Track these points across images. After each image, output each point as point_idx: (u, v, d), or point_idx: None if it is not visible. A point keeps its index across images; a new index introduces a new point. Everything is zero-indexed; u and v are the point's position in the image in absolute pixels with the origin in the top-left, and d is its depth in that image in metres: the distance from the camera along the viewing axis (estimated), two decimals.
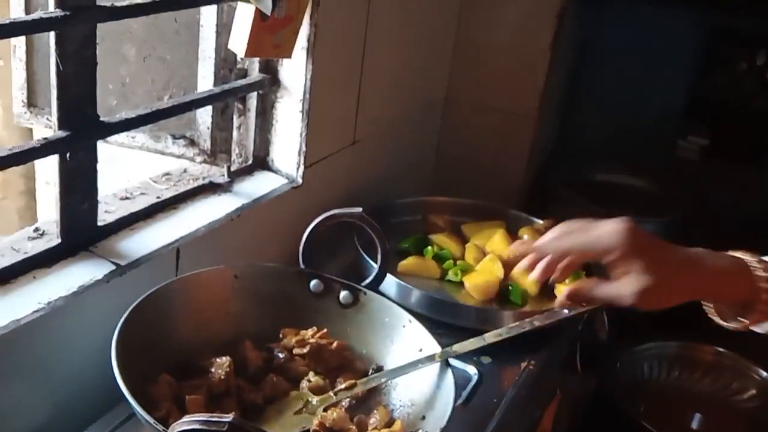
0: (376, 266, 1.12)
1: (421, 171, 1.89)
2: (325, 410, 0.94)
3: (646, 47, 2.00)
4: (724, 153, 2.00)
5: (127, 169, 1.50)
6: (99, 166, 1.06)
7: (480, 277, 1.36)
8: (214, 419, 0.69)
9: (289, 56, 1.24)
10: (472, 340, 1.02)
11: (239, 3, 1.17)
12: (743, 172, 2.00)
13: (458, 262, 1.40)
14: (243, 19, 1.18)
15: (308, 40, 1.27)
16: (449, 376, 0.95)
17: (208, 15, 1.29)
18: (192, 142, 1.38)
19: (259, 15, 1.15)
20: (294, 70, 1.30)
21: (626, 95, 2.04)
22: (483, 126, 1.86)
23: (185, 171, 1.36)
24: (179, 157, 1.38)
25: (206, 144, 1.37)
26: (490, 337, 1.02)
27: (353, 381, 0.97)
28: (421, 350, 1.01)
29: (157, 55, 1.35)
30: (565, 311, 1.05)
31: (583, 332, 1.36)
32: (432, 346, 1.00)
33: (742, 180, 1.99)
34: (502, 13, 1.77)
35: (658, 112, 2.02)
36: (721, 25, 1.96)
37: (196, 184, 1.29)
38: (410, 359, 1.00)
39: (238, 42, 1.19)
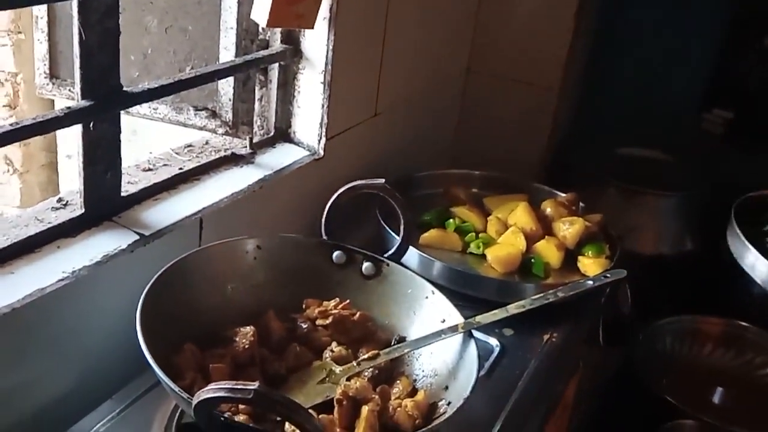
0: (398, 238, 1.11)
1: (443, 144, 1.88)
2: (348, 380, 0.94)
3: (671, 21, 1.96)
4: (749, 127, 1.97)
5: (148, 141, 1.51)
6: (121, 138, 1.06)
7: (502, 249, 1.35)
8: (239, 387, 0.69)
9: (311, 27, 1.23)
10: (495, 311, 1.01)
11: None
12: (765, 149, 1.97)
13: (480, 235, 1.40)
14: None
15: (330, 11, 1.26)
16: (472, 346, 0.95)
17: None
18: (214, 114, 1.37)
19: None
20: (316, 42, 1.29)
21: (650, 70, 2.01)
22: (505, 98, 1.85)
23: (207, 143, 1.36)
24: (201, 128, 1.38)
25: (228, 116, 1.36)
26: (513, 309, 1.02)
27: (376, 351, 0.97)
28: (443, 321, 1.01)
29: (179, 26, 1.34)
30: (590, 282, 1.04)
31: (605, 306, 1.35)
32: (455, 317, 1.00)
33: (762, 159, 1.96)
34: None
35: (682, 87, 1.99)
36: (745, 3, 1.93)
37: (218, 156, 1.29)
38: (433, 330, 1.00)
39: (261, 12, 1.18)
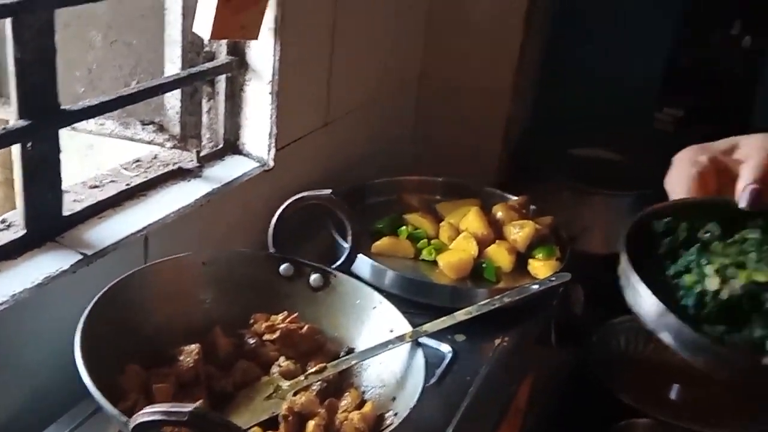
0: (347, 248, 1.11)
1: (399, 150, 1.88)
2: (295, 394, 0.94)
3: (621, 21, 1.99)
4: (699, 123, 2.00)
5: (103, 156, 1.49)
6: (75, 155, 1.05)
7: (453, 255, 1.35)
8: (174, 409, 0.69)
9: (255, 38, 1.23)
10: (443, 318, 1.02)
11: None
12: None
13: (432, 241, 1.40)
14: (207, 1, 1.16)
15: (275, 21, 1.25)
16: (420, 355, 0.95)
17: None
18: (161, 128, 1.36)
19: None
20: (262, 52, 1.29)
21: (603, 69, 2.03)
22: (459, 103, 1.85)
23: (156, 157, 1.35)
24: (149, 143, 1.37)
25: (176, 129, 1.36)
26: (460, 315, 1.02)
27: (323, 364, 0.97)
28: (392, 331, 1.01)
29: (124, 40, 1.33)
30: (536, 286, 1.05)
31: (557, 307, 1.36)
32: (403, 326, 1.00)
33: None
34: None
35: (635, 85, 2.02)
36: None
37: (166, 170, 1.29)
38: (382, 340, 1.00)
39: (203, 24, 1.17)
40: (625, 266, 0.83)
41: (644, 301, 0.80)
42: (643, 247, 0.88)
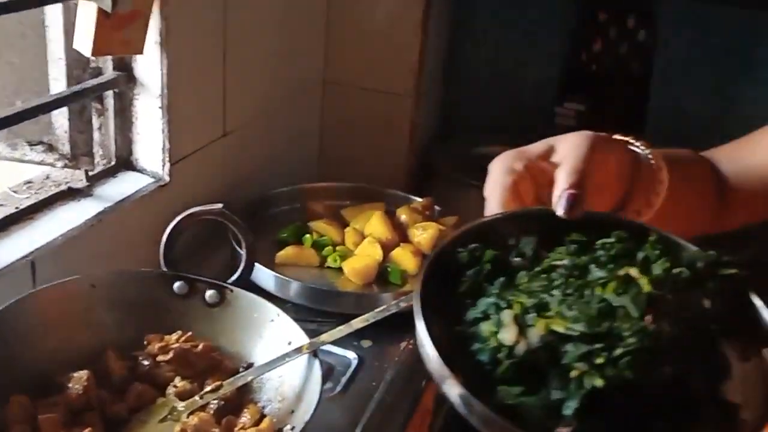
0: (242, 261, 1.10)
1: (306, 158, 1.87)
2: (192, 414, 0.92)
3: (521, 19, 2.01)
4: (599, 117, 2.04)
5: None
6: None
7: (358, 261, 1.35)
8: None
9: (140, 52, 1.20)
10: (339, 327, 1.01)
11: (80, 1, 1.12)
12: (619, 133, 2.04)
13: (338, 248, 1.40)
14: (85, 17, 1.13)
15: (160, 34, 1.23)
16: (317, 367, 0.95)
17: (53, 15, 1.23)
18: (51, 147, 1.32)
19: (102, 12, 1.11)
20: (149, 66, 1.26)
21: (505, 68, 2.06)
22: (364, 108, 1.85)
23: (48, 177, 1.31)
24: (39, 163, 1.33)
25: (65, 148, 1.32)
26: (357, 323, 1.01)
27: (219, 382, 0.95)
28: (290, 343, 1.00)
29: (5, 59, 1.29)
30: None
31: None
32: (301, 339, 0.99)
33: None
34: None
35: (535, 82, 2.05)
36: None
37: (56, 191, 1.25)
38: (280, 354, 0.98)
39: (83, 41, 1.14)
40: (415, 312, 0.69)
41: (429, 359, 0.66)
42: (450, 284, 0.75)
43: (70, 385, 0.92)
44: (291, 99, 1.72)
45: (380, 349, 1.21)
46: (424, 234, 1.39)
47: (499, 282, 0.74)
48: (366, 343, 1.22)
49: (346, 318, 1.07)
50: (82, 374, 0.93)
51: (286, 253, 1.37)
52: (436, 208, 1.52)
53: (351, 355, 1.18)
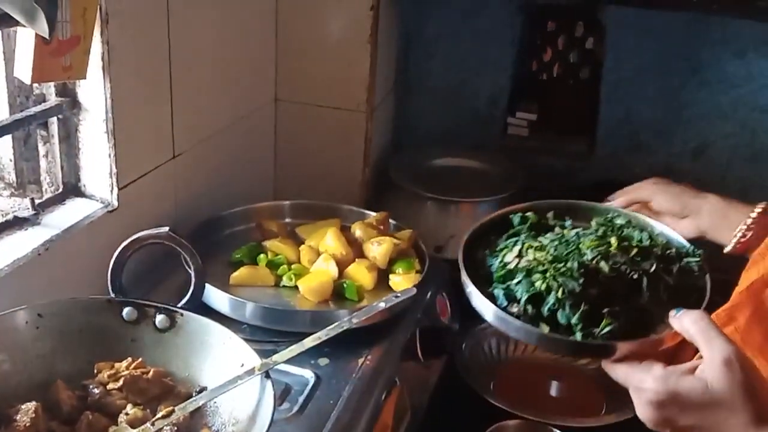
0: (191, 284, 1.09)
1: (260, 176, 1.86)
2: None
3: (471, 30, 2.03)
4: (551, 125, 2.06)
5: None
6: None
7: (313, 278, 1.34)
8: None
9: (82, 77, 1.19)
10: (291, 347, 1.01)
11: (18, 28, 1.11)
12: (571, 141, 2.07)
13: (293, 266, 1.39)
14: (24, 44, 1.12)
15: (102, 59, 1.22)
16: (269, 388, 0.94)
17: None
18: None
19: (41, 38, 1.10)
20: (92, 91, 1.25)
21: (456, 79, 2.07)
22: (317, 125, 1.85)
23: None
24: None
25: (11, 177, 1.30)
26: (309, 342, 1.01)
27: (171, 408, 0.94)
28: (243, 365, 0.99)
29: None
30: (382, 304, 1.05)
31: (422, 319, 1.37)
32: (253, 360, 0.98)
33: (570, 149, 2.06)
34: (318, 11, 1.75)
35: (487, 94, 2.06)
36: (540, 2, 2.01)
37: (2, 220, 1.23)
38: (233, 376, 0.97)
39: (23, 68, 1.13)
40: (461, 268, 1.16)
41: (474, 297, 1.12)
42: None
43: (17, 417, 0.90)
44: (242, 118, 1.71)
45: (337, 366, 1.20)
46: (379, 248, 1.39)
47: (527, 233, 1.22)
48: (323, 362, 1.21)
49: (303, 337, 1.07)
50: (30, 405, 0.91)
51: (241, 273, 1.36)
52: (391, 222, 1.52)
53: (308, 374, 1.18)
